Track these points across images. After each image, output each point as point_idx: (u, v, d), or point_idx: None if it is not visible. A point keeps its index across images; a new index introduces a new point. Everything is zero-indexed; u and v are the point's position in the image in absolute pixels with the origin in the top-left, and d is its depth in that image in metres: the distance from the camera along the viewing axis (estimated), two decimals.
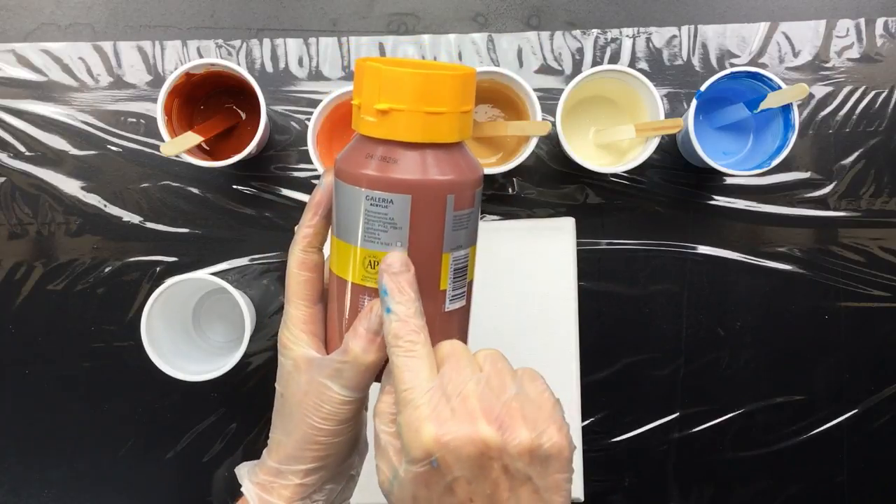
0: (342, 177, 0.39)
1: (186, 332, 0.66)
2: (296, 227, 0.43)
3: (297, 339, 0.42)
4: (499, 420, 0.35)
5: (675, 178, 0.67)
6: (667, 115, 0.64)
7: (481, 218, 0.67)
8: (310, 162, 0.66)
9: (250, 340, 0.60)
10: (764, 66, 0.67)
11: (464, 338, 0.42)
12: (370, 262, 0.38)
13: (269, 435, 0.44)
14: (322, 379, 0.41)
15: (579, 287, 0.66)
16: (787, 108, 0.60)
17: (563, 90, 0.60)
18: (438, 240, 0.38)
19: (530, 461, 0.35)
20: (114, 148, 0.67)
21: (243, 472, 0.44)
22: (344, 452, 0.43)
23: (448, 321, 0.40)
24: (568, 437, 0.36)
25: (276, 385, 0.44)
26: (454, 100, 0.37)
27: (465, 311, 0.42)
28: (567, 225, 0.66)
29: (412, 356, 0.37)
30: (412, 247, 0.38)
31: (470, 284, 0.42)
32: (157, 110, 0.60)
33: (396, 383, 0.36)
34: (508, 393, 0.36)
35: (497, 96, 0.65)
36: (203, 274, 0.64)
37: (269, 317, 0.67)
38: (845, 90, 0.68)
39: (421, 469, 0.35)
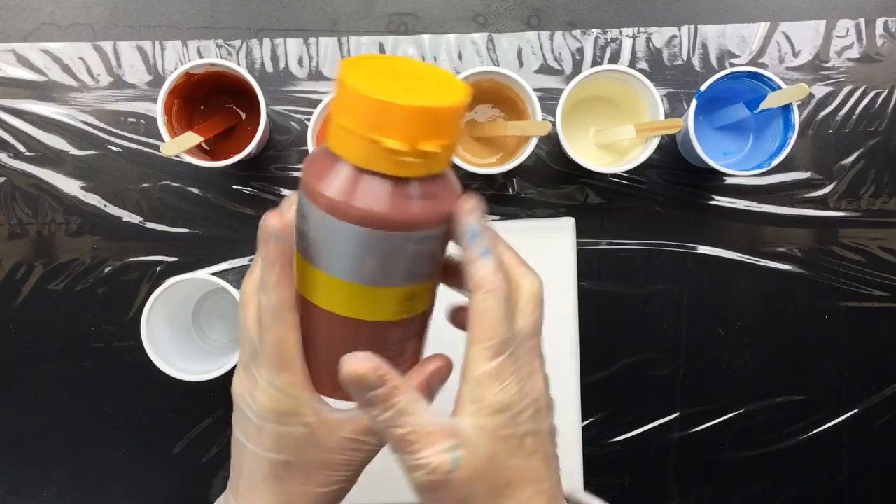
0: (387, 227, 0.35)
1: (186, 332, 0.66)
2: (259, 285, 0.36)
3: (305, 402, 0.37)
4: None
5: (675, 178, 0.67)
6: (667, 115, 0.64)
7: None
8: None
9: None
10: (764, 66, 0.67)
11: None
12: (409, 296, 0.38)
13: (238, 502, 0.39)
14: (359, 437, 0.38)
15: (579, 287, 0.66)
16: (787, 108, 0.60)
17: (563, 90, 0.60)
18: (438, 267, 0.39)
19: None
20: (114, 148, 0.67)
21: None
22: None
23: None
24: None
25: (273, 454, 0.37)
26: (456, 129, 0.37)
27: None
28: (567, 225, 0.66)
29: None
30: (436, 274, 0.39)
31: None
32: (157, 110, 0.60)
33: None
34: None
35: (497, 96, 0.65)
36: (203, 274, 0.64)
37: None
38: (845, 90, 0.68)
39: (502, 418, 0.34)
